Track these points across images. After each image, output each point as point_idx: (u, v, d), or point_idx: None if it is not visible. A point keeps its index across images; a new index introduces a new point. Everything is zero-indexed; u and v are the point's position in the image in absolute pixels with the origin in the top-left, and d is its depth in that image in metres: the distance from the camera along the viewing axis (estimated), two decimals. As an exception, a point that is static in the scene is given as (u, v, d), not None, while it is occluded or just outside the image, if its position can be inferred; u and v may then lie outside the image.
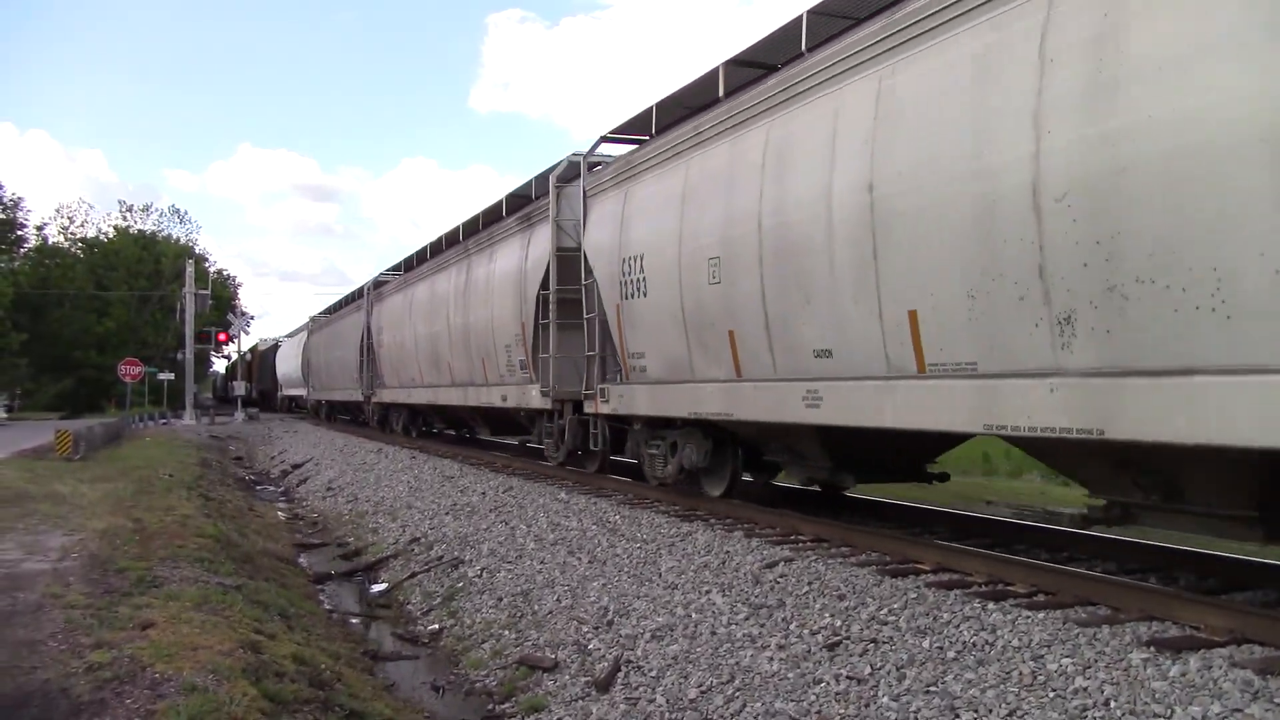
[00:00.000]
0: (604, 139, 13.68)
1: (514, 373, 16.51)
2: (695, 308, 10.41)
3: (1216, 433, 5.42)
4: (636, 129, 12.88)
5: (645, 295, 11.44)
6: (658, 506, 12.06)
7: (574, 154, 14.06)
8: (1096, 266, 5.97)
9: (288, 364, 50.49)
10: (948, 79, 7.12)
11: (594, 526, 11.47)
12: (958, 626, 6.34)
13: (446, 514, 14.68)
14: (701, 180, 10.38)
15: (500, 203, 18.09)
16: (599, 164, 13.68)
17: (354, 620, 10.94)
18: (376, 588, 12.46)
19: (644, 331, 11.68)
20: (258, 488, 24.38)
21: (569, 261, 13.88)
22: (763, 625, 7.29)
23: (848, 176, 7.98)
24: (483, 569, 11.32)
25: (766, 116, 9.38)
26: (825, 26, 9.34)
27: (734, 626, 7.43)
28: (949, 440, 9.42)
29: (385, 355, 27.50)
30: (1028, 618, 6.26)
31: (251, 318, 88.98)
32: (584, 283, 13.37)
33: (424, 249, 24.39)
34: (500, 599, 10.14)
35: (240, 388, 55.83)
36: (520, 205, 17.01)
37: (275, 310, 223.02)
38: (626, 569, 9.58)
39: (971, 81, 6.88)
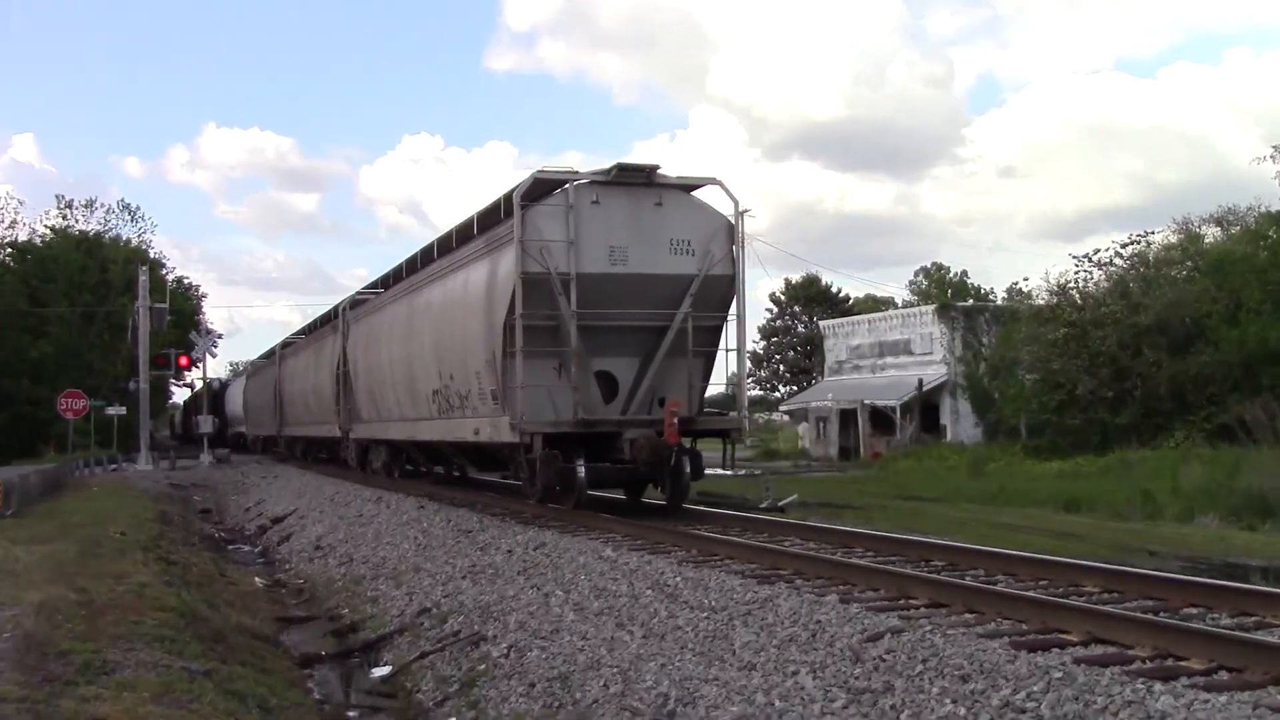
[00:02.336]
0: (360, 291, 31.91)
1: (333, 415, 33.86)
2: (372, 387, 27.94)
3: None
4: (375, 285, 30.53)
5: (360, 379, 29.42)
6: (728, 566, 12.06)
7: (349, 294, 32.81)
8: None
9: (234, 404, 65.62)
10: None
11: (649, 591, 11.48)
12: (1116, 715, 6.26)
13: (464, 578, 14.77)
14: (365, 335, 29.12)
15: (329, 311, 37.15)
16: (363, 301, 30.63)
17: (351, 714, 11.04)
18: (378, 671, 12.56)
19: (359, 396, 29.67)
20: (230, 547, 24.80)
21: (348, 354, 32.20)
22: (866, 716, 7.24)
23: (394, 351, 26.02)
24: (510, 647, 11.36)
25: (384, 310, 28.27)
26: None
27: (829, 717, 7.39)
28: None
29: (251, 407, 51.34)
30: (1206, 701, 6.17)
31: (219, 336, 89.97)
32: (348, 368, 30.89)
33: (306, 326, 43.93)
34: (532, 685, 10.17)
35: (207, 423, 55.76)
36: (335, 315, 34.23)
37: (248, 327, 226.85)
38: (691, 645, 9.58)
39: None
